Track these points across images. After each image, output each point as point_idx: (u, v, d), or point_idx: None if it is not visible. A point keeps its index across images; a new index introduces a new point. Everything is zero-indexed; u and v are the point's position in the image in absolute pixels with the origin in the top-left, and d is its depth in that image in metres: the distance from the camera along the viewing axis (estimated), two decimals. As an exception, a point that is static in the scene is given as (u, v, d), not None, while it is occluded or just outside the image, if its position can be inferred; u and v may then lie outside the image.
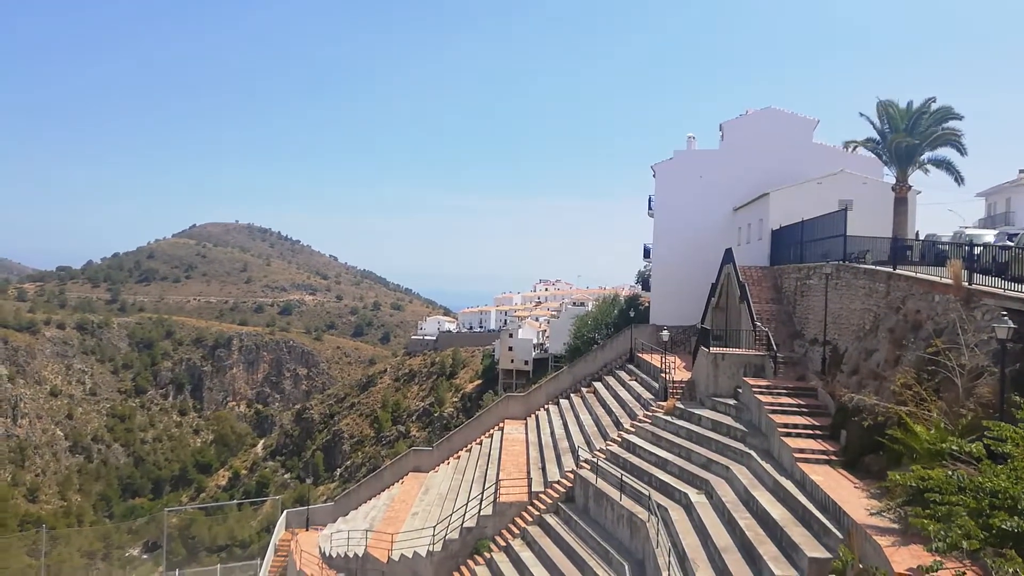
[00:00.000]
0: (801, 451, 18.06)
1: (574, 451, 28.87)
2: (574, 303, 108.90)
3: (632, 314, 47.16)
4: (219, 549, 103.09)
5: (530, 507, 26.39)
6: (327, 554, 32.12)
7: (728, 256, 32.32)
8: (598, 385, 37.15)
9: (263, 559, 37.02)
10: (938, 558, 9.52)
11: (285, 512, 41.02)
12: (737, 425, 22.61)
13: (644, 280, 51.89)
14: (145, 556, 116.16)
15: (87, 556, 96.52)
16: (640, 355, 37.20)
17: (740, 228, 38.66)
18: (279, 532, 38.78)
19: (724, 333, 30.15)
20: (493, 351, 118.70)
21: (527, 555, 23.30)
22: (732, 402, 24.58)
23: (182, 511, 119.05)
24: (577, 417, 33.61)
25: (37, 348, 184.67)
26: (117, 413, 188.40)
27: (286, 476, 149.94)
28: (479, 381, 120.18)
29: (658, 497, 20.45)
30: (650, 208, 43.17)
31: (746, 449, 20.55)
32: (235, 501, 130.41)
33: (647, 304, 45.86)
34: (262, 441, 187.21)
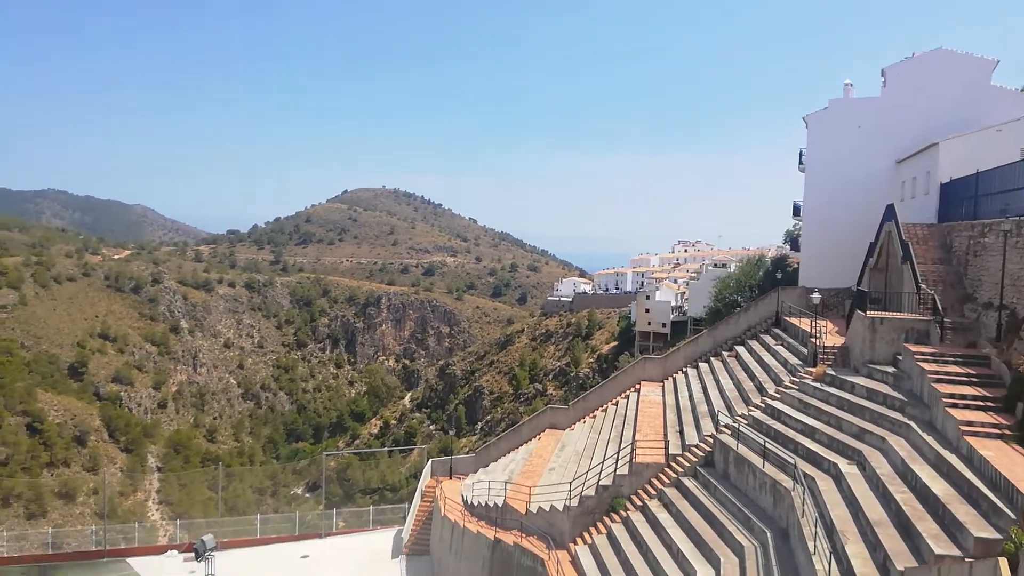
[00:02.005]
0: (969, 424, 16.63)
1: (713, 415, 28.23)
2: (715, 264, 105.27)
3: (779, 276, 44.88)
4: (372, 491, 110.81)
5: (667, 469, 26.21)
6: (469, 502, 33.66)
7: (889, 213, 29.82)
8: (740, 349, 35.92)
9: (411, 503, 39.45)
10: None
11: (430, 461, 43.26)
12: (895, 394, 21.13)
13: (793, 240, 49.10)
14: (307, 495, 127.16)
15: (257, 492, 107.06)
16: (787, 319, 35.47)
17: (903, 182, 35.47)
18: (425, 479, 41.05)
19: (883, 296, 28.04)
20: (629, 313, 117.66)
21: (664, 516, 23.23)
22: (890, 370, 22.95)
23: (339, 455, 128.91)
24: (717, 381, 32.75)
25: (212, 304, 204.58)
26: (281, 364, 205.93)
27: (431, 427, 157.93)
28: (615, 343, 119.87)
29: (804, 466, 19.63)
30: (801, 162, 40.55)
31: (905, 420, 19.20)
32: (386, 448, 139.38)
33: (796, 265, 43.45)
34: (409, 394, 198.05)
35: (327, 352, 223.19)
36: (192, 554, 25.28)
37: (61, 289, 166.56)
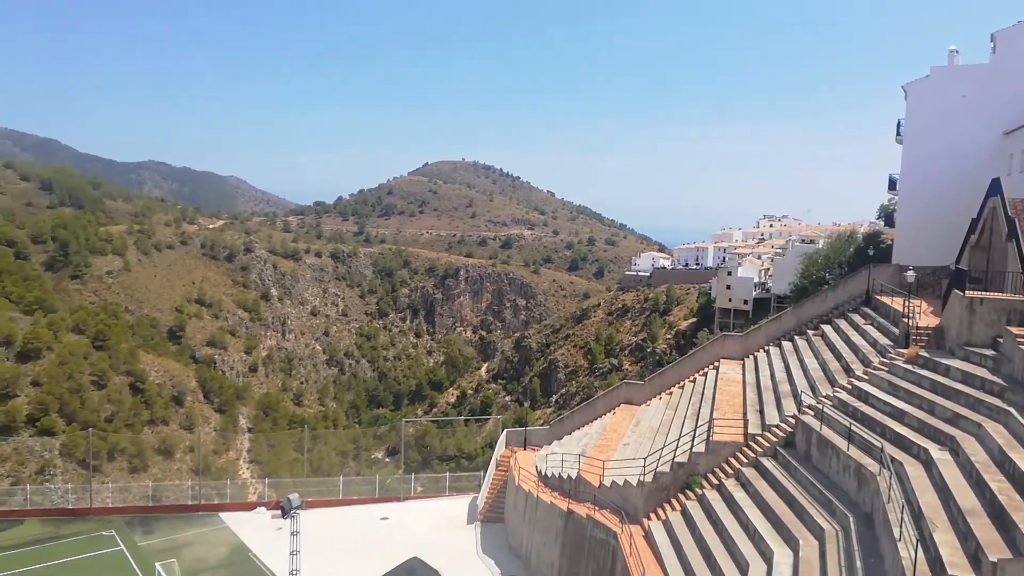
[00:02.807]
0: (1077, 413, 15.59)
1: (796, 395, 27.44)
2: (802, 240, 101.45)
3: (871, 252, 42.87)
4: (448, 459, 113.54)
5: (745, 448, 25.72)
6: (543, 473, 34.06)
7: (995, 187, 27.90)
8: (827, 328, 34.64)
9: (486, 472, 40.23)
10: None
11: (505, 431, 43.90)
12: (994, 379, 19.99)
13: (887, 215, 46.76)
14: (387, 459, 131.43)
15: (340, 455, 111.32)
16: (878, 297, 33.90)
17: (1011, 155, 33.04)
18: (500, 449, 41.73)
19: (984, 275, 26.43)
20: (709, 289, 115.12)
21: (741, 495, 22.88)
22: (989, 353, 21.69)
23: (417, 423, 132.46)
24: (801, 361, 31.75)
25: (299, 273, 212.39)
26: (364, 332, 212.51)
27: (506, 398, 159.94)
28: (693, 319, 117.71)
29: (892, 450, 18.89)
30: (899, 133, 38.32)
31: (1004, 406, 18.15)
32: (462, 417, 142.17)
33: (889, 242, 41.36)
34: (485, 365, 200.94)
35: (407, 322, 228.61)
36: (279, 511, 26.64)
37: (161, 256, 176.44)
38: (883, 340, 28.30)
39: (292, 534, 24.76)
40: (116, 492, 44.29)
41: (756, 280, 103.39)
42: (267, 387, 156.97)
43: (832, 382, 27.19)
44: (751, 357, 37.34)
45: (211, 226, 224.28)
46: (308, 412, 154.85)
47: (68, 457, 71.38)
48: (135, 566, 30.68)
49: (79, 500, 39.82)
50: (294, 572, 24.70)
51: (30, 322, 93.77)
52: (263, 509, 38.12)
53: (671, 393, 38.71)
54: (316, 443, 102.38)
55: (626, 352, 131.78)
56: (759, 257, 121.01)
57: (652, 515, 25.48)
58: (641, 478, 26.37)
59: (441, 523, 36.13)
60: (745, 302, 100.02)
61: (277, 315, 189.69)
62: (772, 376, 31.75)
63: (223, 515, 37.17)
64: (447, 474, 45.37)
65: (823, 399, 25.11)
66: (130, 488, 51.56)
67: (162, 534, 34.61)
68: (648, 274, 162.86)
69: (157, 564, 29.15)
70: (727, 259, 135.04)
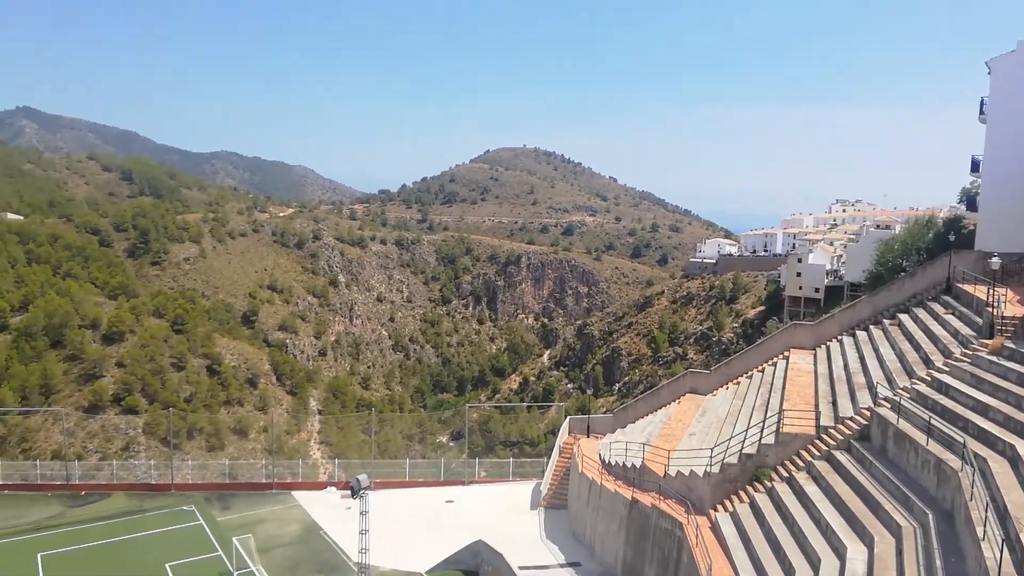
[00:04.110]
0: None
1: (871, 387, 26.53)
2: (878, 226, 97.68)
3: (951, 238, 40.91)
4: (511, 444, 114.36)
5: (817, 441, 25.05)
6: (606, 461, 33.98)
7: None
8: (904, 317, 33.30)
9: (549, 458, 40.43)
10: None
11: (568, 418, 43.95)
12: (1090, 373, 18.90)
13: (969, 198, 44.45)
14: (451, 443, 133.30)
15: (406, 438, 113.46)
16: (960, 285, 32.37)
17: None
18: (563, 436, 41.83)
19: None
20: (778, 276, 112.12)
21: (812, 489, 22.33)
22: (1085, 346, 20.51)
23: (481, 408, 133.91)
24: (876, 351, 30.64)
25: (365, 260, 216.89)
26: (428, 319, 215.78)
27: (569, 386, 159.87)
28: (761, 307, 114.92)
29: (975, 445, 18.10)
30: (982, 112, 36.31)
31: (1101, 402, 17.16)
32: (525, 404, 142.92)
33: (972, 227, 39.36)
34: (547, 352, 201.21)
35: (470, 308, 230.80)
36: (348, 491, 27.45)
37: (234, 244, 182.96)
38: (965, 330, 27.06)
39: (361, 513, 25.48)
40: (195, 469, 46.48)
41: (828, 267, 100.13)
42: (336, 371, 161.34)
43: (910, 374, 26.19)
44: (823, 347, 36.27)
45: (281, 214, 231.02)
46: (375, 396, 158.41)
47: (151, 435, 75.13)
48: (214, 540, 32.15)
49: (161, 476, 41.99)
50: (363, 550, 25.43)
51: (114, 307, 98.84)
52: (333, 489, 39.34)
53: (738, 383, 37.97)
54: (383, 426, 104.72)
55: (691, 341, 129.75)
56: (831, 244, 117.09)
57: (719, 507, 25.14)
58: (708, 469, 26.02)
59: (505, 508, 36.53)
60: (816, 290, 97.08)
61: (344, 301, 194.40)
62: (846, 367, 30.78)
63: (295, 493, 38.55)
64: (510, 459, 45.79)
65: (900, 391, 24.23)
66: (208, 466, 54.01)
67: (238, 510, 36.14)
68: (714, 261, 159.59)
69: (234, 539, 30.48)
70: (797, 245, 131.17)
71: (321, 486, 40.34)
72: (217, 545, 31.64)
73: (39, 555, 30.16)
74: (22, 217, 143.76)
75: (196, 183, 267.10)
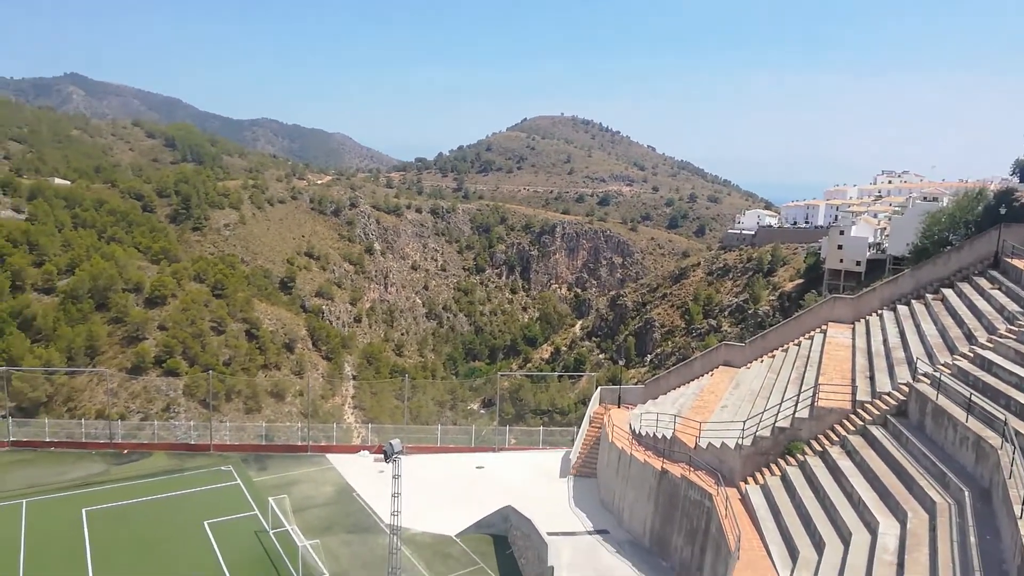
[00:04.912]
0: None
1: (911, 362, 25.90)
2: (924, 198, 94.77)
3: (1002, 212, 39.47)
4: (541, 413, 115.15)
5: (852, 416, 24.62)
6: (637, 431, 33.92)
7: None
8: (948, 292, 32.35)
9: (579, 427, 40.53)
10: None
11: (599, 388, 43.89)
12: None
13: (1023, 170, 42.81)
14: (482, 411, 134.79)
15: (438, 404, 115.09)
16: (1008, 260, 31.26)
17: None
18: (593, 405, 41.85)
19: None
20: (819, 249, 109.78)
21: (846, 463, 22.00)
22: None
23: (512, 376, 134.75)
24: (918, 326, 29.86)
25: (401, 228, 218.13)
26: (462, 287, 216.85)
27: (600, 356, 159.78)
28: (800, 280, 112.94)
29: (1016, 423, 17.59)
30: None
31: None
32: (556, 373, 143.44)
33: (1025, 200, 37.96)
34: (580, 322, 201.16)
35: (503, 278, 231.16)
36: (381, 455, 27.90)
37: (273, 211, 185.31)
38: (1012, 307, 26.20)
39: (394, 477, 25.84)
40: (233, 431, 47.66)
41: (871, 240, 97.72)
42: (370, 337, 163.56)
43: (952, 350, 25.50)
44: (862, 321, 35.47)
45: (319, 182, 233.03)
46: (408, 362, 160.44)
47: (191, 397, 77.31)
48: (251, 500, 33.04)
49: (200, 437, 43.14)
50: (395, 513, 25.85)
51: (156, 271, 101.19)
52: (367, 452, 40.05)
53: (773, 356, 37.42)
54: (415, 392, 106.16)
55: (725, 313, 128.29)
56: (875, 216, 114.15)
57: (749, 479, 24.94)
58: (739, 441, 25.80)
59: (535, 475, 36.82)
60: (857, 263, 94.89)
61: (380, 268, 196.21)
62: (885, 341, 30.08)
63: (330, 456, 39.33)
64: (540, 428, 46.03)
65: (941, 367, 23.61)
66: (245, 428, 55.44)
67: (274, 471, 37.03)
68: (753, 232, 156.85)
69: (270, 499, 31.27)
70: (840, 217, 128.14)
71: (355, 450, 41.08)
72: (253, 504, 32.51)
73: (84, 510, 31.31)
74: (69, 182, 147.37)
75: (237, 150, 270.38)
